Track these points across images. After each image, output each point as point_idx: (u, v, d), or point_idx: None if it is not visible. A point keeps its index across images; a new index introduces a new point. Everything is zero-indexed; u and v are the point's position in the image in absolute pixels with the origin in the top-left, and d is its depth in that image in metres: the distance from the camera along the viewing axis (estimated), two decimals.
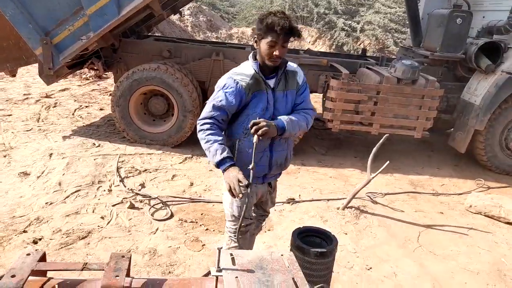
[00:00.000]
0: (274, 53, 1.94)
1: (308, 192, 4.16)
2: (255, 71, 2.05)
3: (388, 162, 3.57)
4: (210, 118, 2.01)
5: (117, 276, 1.27)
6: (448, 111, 5.11)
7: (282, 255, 1.57)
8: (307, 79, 2.25)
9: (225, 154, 1.93)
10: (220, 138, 1.98)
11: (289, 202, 3.90)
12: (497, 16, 4.67)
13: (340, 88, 4.57)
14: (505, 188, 4.55)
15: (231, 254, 1.51)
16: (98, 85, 8.31)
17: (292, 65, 2.20)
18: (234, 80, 2.01)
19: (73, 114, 6.19)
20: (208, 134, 1.98)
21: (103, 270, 1.31)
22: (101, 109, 6.56)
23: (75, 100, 6.99)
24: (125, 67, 5.22)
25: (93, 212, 3.43)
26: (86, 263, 1.35)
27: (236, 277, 1.36)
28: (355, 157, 5.17)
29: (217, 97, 2.01)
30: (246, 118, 2.06)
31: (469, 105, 4.75)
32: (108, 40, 4.82)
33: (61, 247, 2.90)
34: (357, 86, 4.58)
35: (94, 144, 4.93)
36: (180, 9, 6.66)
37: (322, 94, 5.36)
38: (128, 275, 1.46)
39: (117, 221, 3.31)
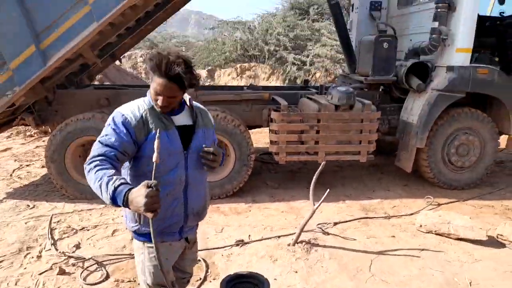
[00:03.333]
0: (158, 102, 1.74)
1: (259, 230, 3.98)
2: (151, 106, 1.78)
3: (328, 190, 3.49)
4: (98, 155, 1.67)
5: None
6: (391, 133, 5.21)
7: None
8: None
9: (118, 182, 1.55)
10: (112, 171, 1.61)
11: (237, 245, 3.68)
12: (422, 38, 4.90)
13: (281, 120, 4.55)
14: (454, 203, 4.57)
15: None
16: (44, 141, 7.93)
17: (198, 104, 2.01)
18: (122, 114, 1.75)
19: (11, 175, 5.79)
20: (97, 171, 1.60)
21: None
22: (43, 167, 6.18)
23: (15, 160, 6.58)
24: (62, 120, 4.99)
25: (15, 284, 3.06)
26: None
27: None
28: (307, 188, 5.05)
29: (104, 133, 1.74)
30: (146, 167, 1.71)
31: (408, 124, 4.86)
32: (40, 93, 4.61)
33: None
34: (297, 116, 4.59)
35: (28, 205, 4.57)
36: (121, 57, 6.59)
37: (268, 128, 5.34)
38: None
39: None
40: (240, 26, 14.99)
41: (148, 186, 1.49)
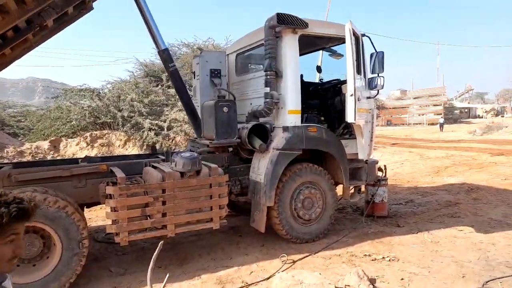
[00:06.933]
0: None
1: None
2: None
3: (168, 275, 3.03)
4: None
5: None
6: (244, 193, 5.15)
7: None
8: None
9: None
10: None
11: None
12: (260, 102, 5.16)
13: (120, 194, 3.98)
14: (307, 257, 4.61)
15: None
16: None
17: None
18: None
19: None
20: None
21: None
22: None
23: None
24: None
25: None
26: None
27: None
28: (159, 267, 4.46)
29: None
30: None
31: (257, 184, 4.88)
32: None
33: None
34: (138, 188, 4.09)
35: None
36: None
37: None
38: None
39: None
40: (87, 93, 13.99)
41: None
